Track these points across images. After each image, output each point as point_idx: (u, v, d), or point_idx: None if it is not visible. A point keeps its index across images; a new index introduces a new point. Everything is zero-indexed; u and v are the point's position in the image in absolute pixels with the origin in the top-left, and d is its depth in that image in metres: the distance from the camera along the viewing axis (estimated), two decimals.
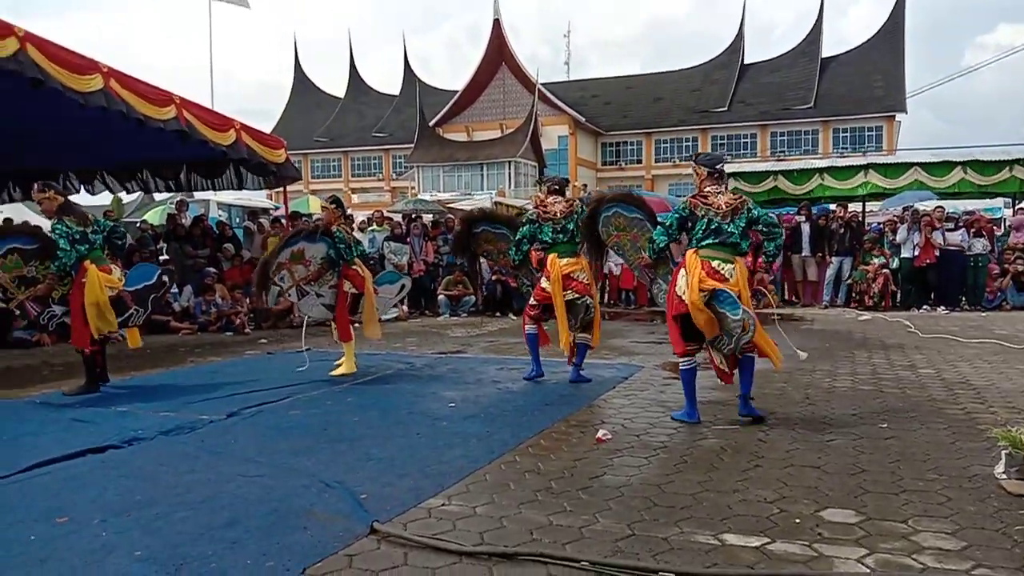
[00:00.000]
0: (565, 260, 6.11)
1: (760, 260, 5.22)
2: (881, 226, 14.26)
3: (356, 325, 7.10)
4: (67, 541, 2.97)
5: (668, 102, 49.02)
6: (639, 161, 49.04)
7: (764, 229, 4.88)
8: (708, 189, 4.90)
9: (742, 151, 45.46)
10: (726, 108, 46.98)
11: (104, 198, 16.06)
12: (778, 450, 4.15)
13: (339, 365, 6.80)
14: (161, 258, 12.16)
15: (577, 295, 6.10)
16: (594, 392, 5.88)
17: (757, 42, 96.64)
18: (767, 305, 8.16)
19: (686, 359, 4.90)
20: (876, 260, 12.71)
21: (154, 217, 17.30)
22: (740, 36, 50.13)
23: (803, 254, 13.62)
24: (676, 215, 4.97)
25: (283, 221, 13.74)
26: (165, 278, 6.73)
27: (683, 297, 4.69)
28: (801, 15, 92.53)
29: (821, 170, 15.49)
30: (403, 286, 7.77)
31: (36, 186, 6.12)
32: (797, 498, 3.35)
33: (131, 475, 3.84)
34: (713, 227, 4.75)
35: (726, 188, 5.06)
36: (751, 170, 17.70)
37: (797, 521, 3.08)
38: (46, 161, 12.66)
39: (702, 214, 4.79)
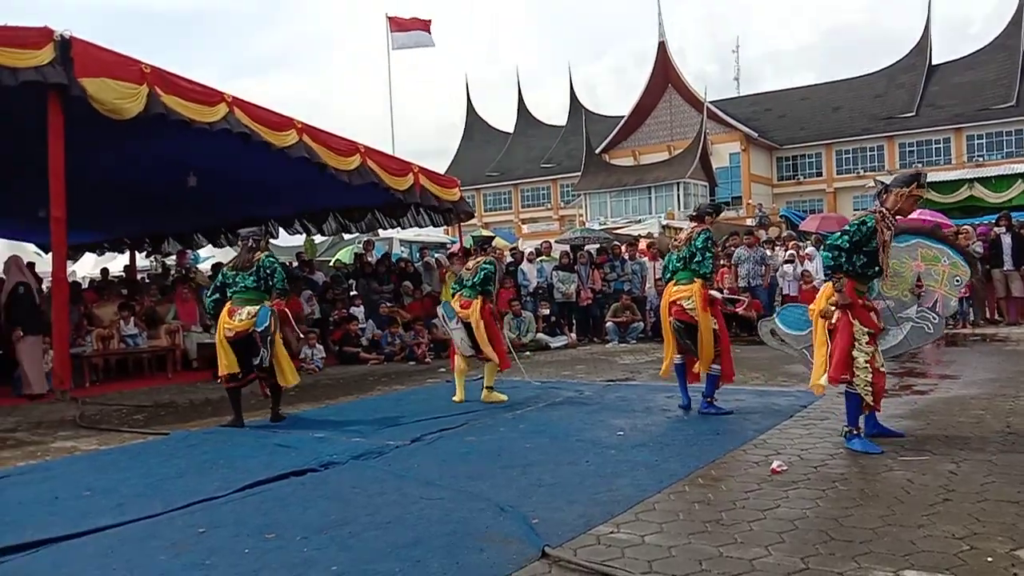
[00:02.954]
0: (677, 287, 6.20)
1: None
2: None
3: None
4: (275, 555, 3.33)
5: (848, 110, 46.47)
6: (819, 174, 46.73)
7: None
8: None
9: (934, 157, 42.17)
10: (914, 113, 43.84)
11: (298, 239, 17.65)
12: (972, 483, 3.88)
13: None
14: (351, 293, 13.17)
15: (676, 320, 6.15)
16: (769, 421, 5.72)
17: (946, 40, 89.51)
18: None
19: None
20: None
21: (345, 256, 18.65)
22: (927, 35, 46.72)
23: (1005, 268, 12.43)
24: None
25: (460, 254, 14.41)
26: (274, 319, 6.53)
27: None
28: (997, 7, 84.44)
29: None
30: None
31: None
32: (991, 535, 3.13)
33: (328, 496, 4.23)
34: None
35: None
36: (943, 179, 16.49)
37: (989, 560, 2.89)
38: (255, 211, 14.16)
39: None
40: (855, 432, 4.83)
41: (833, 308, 4.87)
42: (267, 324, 6.37)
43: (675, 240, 6.51)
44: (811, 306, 5.16)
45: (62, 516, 4.02)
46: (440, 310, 7.82)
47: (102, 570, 3.23)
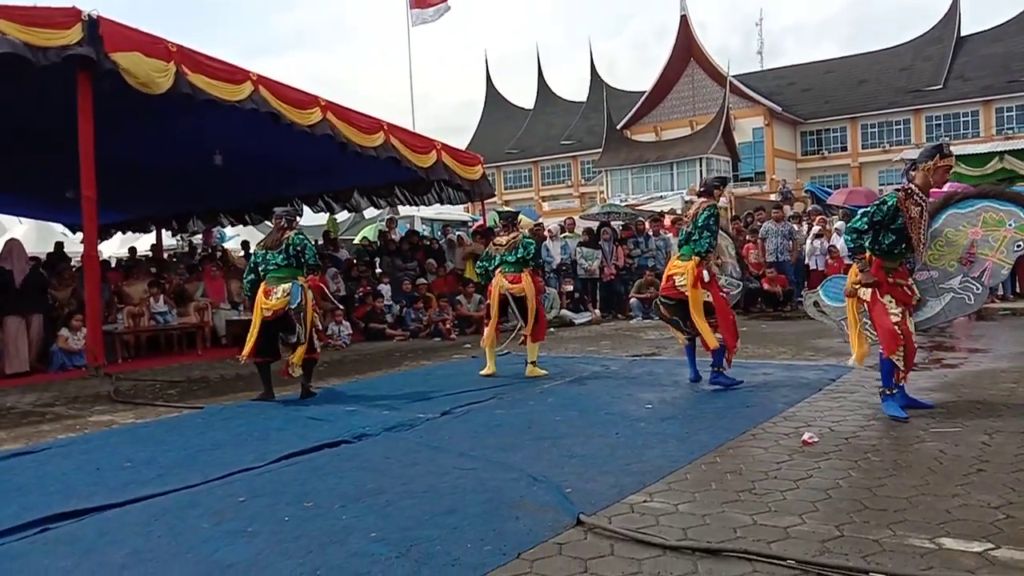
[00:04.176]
0: (677, 262, 6.29)
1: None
2: None
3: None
4: (314, 523, 3.40)
5: (874, 84, 45.66)
6: (843, 149, 46.04)
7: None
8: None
9: (962, 131, 41.38)
10: (941, 85, 43.00)
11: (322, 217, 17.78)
12: (1005, 454, 3.87)
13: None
14: (377, 271, 13.27)
15: (663, 296, 6.38)
16: (798, 395, 5.71)
17: (976, 11, 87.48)
18: None
19: None
20: None
21: (370, 233, 18.76)
22: (955, 6, 45.66)
23: None
24: None
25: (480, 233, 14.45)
26: (302, 295, 6.51)
27: None
28: None
29: None
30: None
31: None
32: None
33: (362, 467, 4.30)
34: None
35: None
36: (973, 152, 16.22)
37: None
38: (280, 190, 14.27)
39: None
40: (889, 393, 4.88)
41: (858, 287, 4.87)
42: (299, 300, 6.42)
43: (684, 215, 6.54)
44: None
45: (104, 486, 4.12)
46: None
47: (146, 537, 3.31)
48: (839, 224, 13.36)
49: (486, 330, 7.55)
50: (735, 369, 6.36)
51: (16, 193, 14.79)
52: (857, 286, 4.93)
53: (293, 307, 6.42)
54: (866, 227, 4.85)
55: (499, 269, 7.36)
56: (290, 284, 6.46)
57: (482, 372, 7.38)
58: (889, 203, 4.82)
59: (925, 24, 48.53)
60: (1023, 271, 12.79)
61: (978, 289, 5.03)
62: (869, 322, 5.00)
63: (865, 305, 4.94)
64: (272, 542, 3.17)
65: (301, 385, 6.74)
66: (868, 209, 4.92)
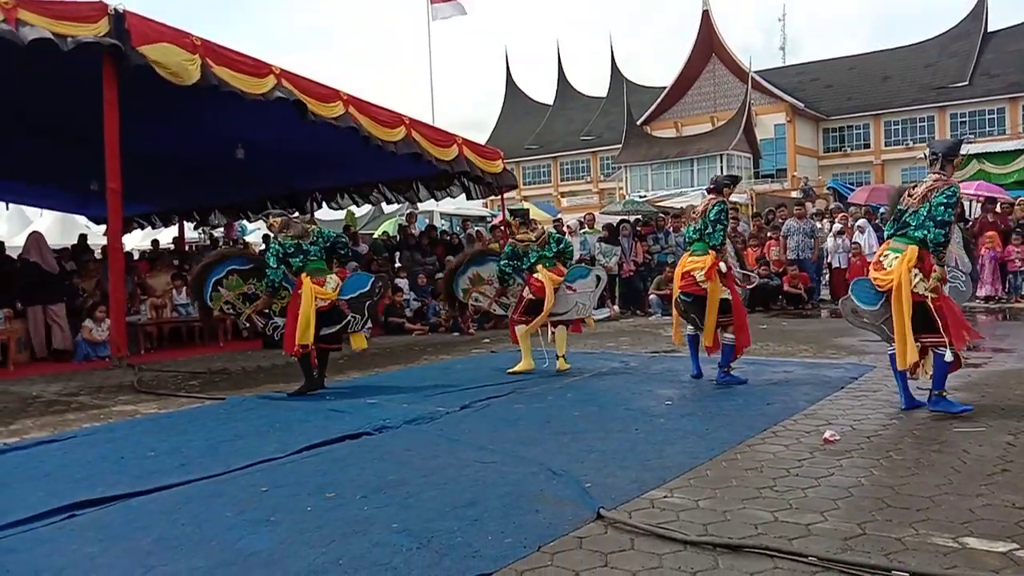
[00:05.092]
0: (691, 258, 6.26)
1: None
2: None
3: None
4: (336, 513, 3.43)
5: (898, 80, 45.06)
6: (866, 146, 45.48)
7: (928, 222, 4.72)
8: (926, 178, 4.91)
9: (988, 128, 40.73)
10: (967, 82, 42.31)
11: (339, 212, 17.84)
12: None
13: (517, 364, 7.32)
14: (396, 265, 13.30)
15: (683, 294, 6.29)
16: (820, 393, 5.68)
17: (1004, 6, 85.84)
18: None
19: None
20: None
21: (390, 228, 18.80)
22: (982, 1, 44.93)
23: None
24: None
25: (503, 228, 14.44)
26: (379, 285, 6.94)
27: None
28: None
29: None
30: (597, 277, 7.57)
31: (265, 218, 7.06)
32: None
33: (383, 458, 4.33)
34: (902, 218, 4.85)
35: (935, 175, 4.87)
36: (999, 150, 16.02)
37: None
38: (301, 184, 14.36)
39: (903, 205, 4.87)
40: (945, 394, 4.82)
41: (931, 287, 4.69)
42: (366, 289, 6.71)
43: (693, 212, 6.56)
44: (874, 275, 5.00)
45: (129, 475, 4.19)
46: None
47: (171, 525, 3.36)
48: (861, 222, 13.26)
49: (527, 327, 7.23)
50: (755, 367, 6.34)
51: (42, 185, 14.97)
52: (932, 285, 4.68)
53: (349, 297, 6.66)
54: (952, 218, 4.70)
55: (540, 265, 7.23)
56: (335, 277, 6.61)
57: (515, 369, 7.20)
58: (958, 194, 4.76)
59: (952, 20, 47.69)
60: None
61: (963, 276, 5.15)
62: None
63: (929, 303, 4.70)
64: (294, 531, 3.20)
65: (319, 374, 6.80)
66: (947, 201, 4.67)
